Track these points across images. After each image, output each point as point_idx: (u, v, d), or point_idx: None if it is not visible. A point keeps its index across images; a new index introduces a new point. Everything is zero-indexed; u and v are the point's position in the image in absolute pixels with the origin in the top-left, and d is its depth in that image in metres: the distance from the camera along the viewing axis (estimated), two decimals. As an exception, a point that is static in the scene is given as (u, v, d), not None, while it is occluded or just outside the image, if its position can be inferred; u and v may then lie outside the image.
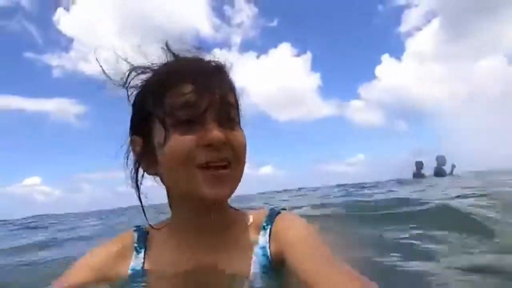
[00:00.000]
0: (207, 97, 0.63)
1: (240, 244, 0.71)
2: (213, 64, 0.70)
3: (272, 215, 0.73)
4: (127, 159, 0.74)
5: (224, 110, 0.65)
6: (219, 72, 0.70)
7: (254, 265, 0.68)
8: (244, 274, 0.67)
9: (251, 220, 0.74)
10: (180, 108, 0.63)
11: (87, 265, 0.70)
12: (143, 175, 0.73)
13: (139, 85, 0.73)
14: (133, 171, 0.73)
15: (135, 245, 0.74)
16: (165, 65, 0.71)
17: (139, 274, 0.70)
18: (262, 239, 0.70)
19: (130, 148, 0.73)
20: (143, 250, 0.73)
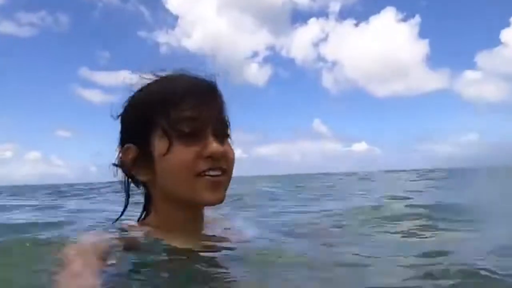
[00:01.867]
0: (208, 114, 0.73)
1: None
2: (211, 82, 0.78)
3: None
4: (117, 166, 0.80)
5: (220, 126, 0.75)
6: (215, 90, 0.78)
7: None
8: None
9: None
10: (184, 121, 0.71)
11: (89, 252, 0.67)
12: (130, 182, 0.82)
13: (136, 95, 0.79)
14: (124, 177, 0.80)
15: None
16: (169, 79, 0.78)
17: None
18: None
19: (120, 155, 0.77)
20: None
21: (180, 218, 0.78)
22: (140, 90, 0.78)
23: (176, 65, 0.82)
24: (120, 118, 0.80)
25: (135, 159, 0.75)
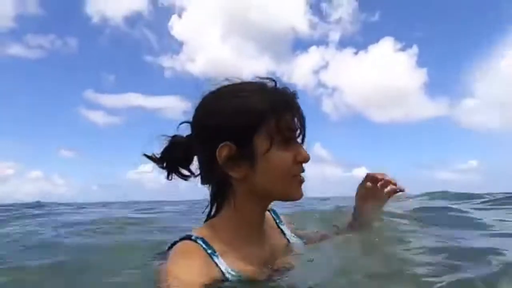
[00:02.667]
0: (301, 124, 0.85)
1: (275, 230, 1.02)
2: (295, 93, 0.89)
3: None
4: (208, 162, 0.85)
5: (304, 135, 0.87)
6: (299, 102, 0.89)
7: (287, 240, 1.02)
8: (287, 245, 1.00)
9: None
10: (287, 129, 0.82)
11: (191, 285, 0.71)
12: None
13: (236, 100, 0.84)
14: (218, 173, 0.84)
15: (209, 251, 0.79)
16: (269, 90, 0.86)
17: (235, 274, 0.79)
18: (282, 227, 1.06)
19: (217, 152, 0.81)
20: (218, 254, 0.80)
21: (257, 215, 0.88)
22: (237, 94, 0.84)
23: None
24: (206, 120, 0.84)
25: (230, 156, 0.80)
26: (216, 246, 0.80)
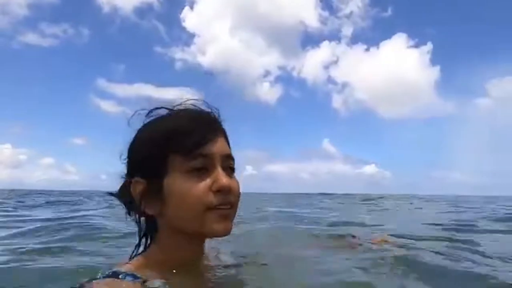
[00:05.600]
0: (217, 149, 0.76)
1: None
2: (214, 116, 0.82)
3: None
4: (128, 200, 0.81)
5: (227, 160, 0.78)
6: (219, 124, 0.82)
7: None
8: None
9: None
10: (195, 157, 0.73)
11: None
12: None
13: (144, 130, 0.81)
14: (134, 213, 0.82)
15: (137, 281, 0.71)
16: (175, 116, 0.80)
17: None
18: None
19: (130, 188, 0.78)
20: (143, 280, 0.72)
21: (185, 251, 0.79)
22: (147, 126, 0.80)
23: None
24: (128, 150, 0.81)
25: (143, 192, 0.76)
26: (147, 274, 0.73)
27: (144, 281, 0.71)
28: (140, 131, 0.81)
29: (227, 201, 0.74)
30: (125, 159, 0.82)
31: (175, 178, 0.73)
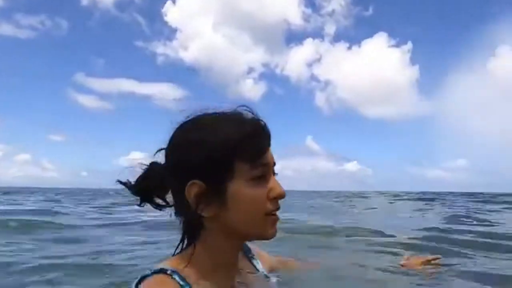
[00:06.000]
0: (271, 158, 0.80)
1: (248, 266, 0.96)
2: (267, 126, 0.83)
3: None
4: (182, 203, 0.79)
5: (274, 168, 0.82)
6: (270, 134, 0.84)
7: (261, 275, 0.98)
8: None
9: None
10: (258, 166, 0.77)
11: None
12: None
13: (200, 129, 0.79)
14: (189, 213, 0.79)
15: (185, 287, 0.75)
16: (237, 121, 0.79)
17: None
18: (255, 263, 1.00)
19: (186, 190, 0.76)
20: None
21: (229, 253, 0.84)
22: (201, 129, 0.78)
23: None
24: (175, 153, 0.80)
25: (199, 195, 0.76)
26: (191, 282, 0.75)
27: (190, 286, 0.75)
28: (191, 133, 0.79)
29: (278, 206, 0.80)
30: (168, 158, 0.82)
31: (239, 184, 0.75)
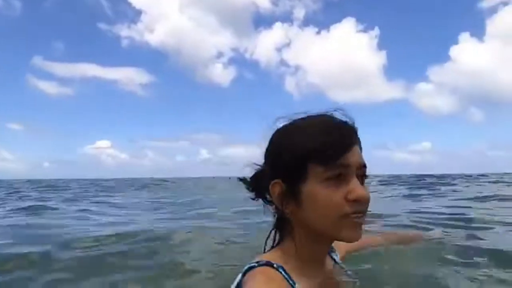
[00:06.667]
0: (353, 159, 0.79)
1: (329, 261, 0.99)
2: (354, 127, 0.85)
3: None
4: (266, 202, 0.90)
5: (361, 170, 0.81)
6: (357, 135, 0.85)
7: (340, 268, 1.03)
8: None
9: None
10: (334, 167, 0.77)
11: None
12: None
13: (288, 138, 0.84)
14: (275, 210, 0.89)
15: (290, 282, 0.80)
16: (320, 125, 0.82)
17: None
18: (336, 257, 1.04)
19: (270, 189, 0.85)
20: (296, 285, 0.80)
21: (316, 248, 0.86)
22: (289, 134, 0.85)
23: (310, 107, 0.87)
24: (269, 154, 0.88)
25: (282, 193, 0.83)
26: (294, 275, 0.81)
27: (293, 284, 0.79)
28: (281, 137, 0.87)
29: (361, 210, 0.78)
30: (266, 158, 0.89)
31: (313, 185, 0.78)
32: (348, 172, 0.78)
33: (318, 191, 0.77)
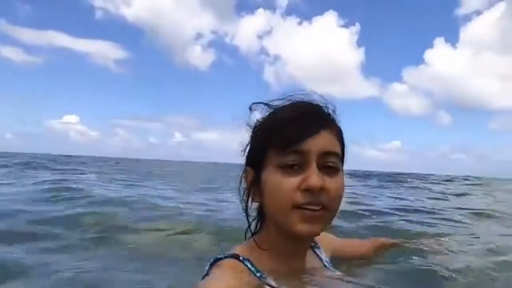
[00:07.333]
0: (314, 146, 0.72)
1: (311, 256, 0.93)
2: (319, 109, 0.79)
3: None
4: (240, 184, 0.85)
5: (326, 159, 0.73)
6: (324, 118, 0.77)
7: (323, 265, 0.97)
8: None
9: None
10: (288, 153, 0.72)
11: None
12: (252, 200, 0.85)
13: (257, 123, 0.83)
14: (244, 197, 0.85)
15: (257, 274, 0.77)
16: (280, 108, 0.80)
17: None
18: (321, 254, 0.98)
19: (243, 176, 0.84)
20: (266, 276, 0.77)
21: (284, 243, 0.80)
22: (261, 120, 0.82)
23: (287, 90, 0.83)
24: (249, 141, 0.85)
25: (251, 181, 0.80)
26: (264, 269, 0.78)
27: (260, 276, 0.76)
28: (257, 122, 0.83)
29: (317, 201, 0.71)
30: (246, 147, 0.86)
31: (269, 171, 0.74)
32: (306, 160, 0.71)
33: (272, 177, 0.73)
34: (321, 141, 0.72)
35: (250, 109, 0.84)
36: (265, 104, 0.83)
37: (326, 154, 0.73)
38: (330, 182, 0.72)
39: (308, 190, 0.70)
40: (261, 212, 0.85)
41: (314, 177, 0.69)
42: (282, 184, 0.71)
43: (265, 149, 0.75)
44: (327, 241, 1.04)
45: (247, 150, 0.84)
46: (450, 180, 16.24)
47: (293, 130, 0.72)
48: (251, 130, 0.83)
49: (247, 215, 0.86)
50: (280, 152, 0.72)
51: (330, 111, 0.80)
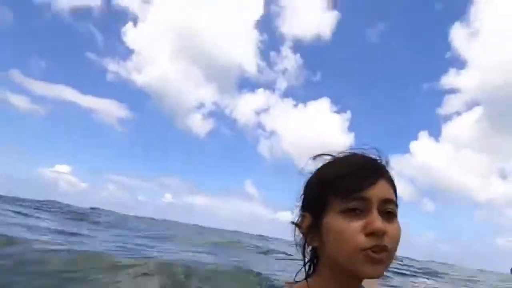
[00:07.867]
0: (374, 193, 0.77)
1: None
2: (377, 161, 0.85)
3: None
4: (295, 229, 0.87)
5: (385, 205, 0.78)
6: (381, 169, 0.83)
7: None
8: None
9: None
10: (351, 199, 0.76)
11: None
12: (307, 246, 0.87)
13: (317, 172, 0.87)
14: (301, 242, 0.86)
15: None
16: (340, 159, 0.85)
17: None
18: None
19: (299, 220, 0.86)
20: None
21: (340, 283, 0.82)
22: (318, 170, 0.87)
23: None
24: (304, 189, 0.89)
25: (309, 226, 0.83)
26: None
27: None
28: (313, 174, 0.88)
29: (381, 244, 0.74)
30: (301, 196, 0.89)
31: (332, 217, 0.77)
32: (367, 206, 0.76)
33: (335, 222, 0.77)
34: (380, 189, 0.78)
35: (313, 158, 0.89)
36: (329, 155, 0.88)
37: (385, 201, 0.78)
38: (390, 227, 0.77)
39: (372, 234, 0.73)
40: (315, 256, 0.87)
41: (378, 222, 0.73)
42: (347, 227, 0.74)
43: (326, 197, 0.79)
44: (369, 283, 1.03)
45: (301, 197, 0.88)
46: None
47: (356, 179, 0.77)
48: (307, 181, 0.88)
49: (304, 257, 0.87)
50: (344, 199, 0.76)
51: (385, 163, 0.86)
